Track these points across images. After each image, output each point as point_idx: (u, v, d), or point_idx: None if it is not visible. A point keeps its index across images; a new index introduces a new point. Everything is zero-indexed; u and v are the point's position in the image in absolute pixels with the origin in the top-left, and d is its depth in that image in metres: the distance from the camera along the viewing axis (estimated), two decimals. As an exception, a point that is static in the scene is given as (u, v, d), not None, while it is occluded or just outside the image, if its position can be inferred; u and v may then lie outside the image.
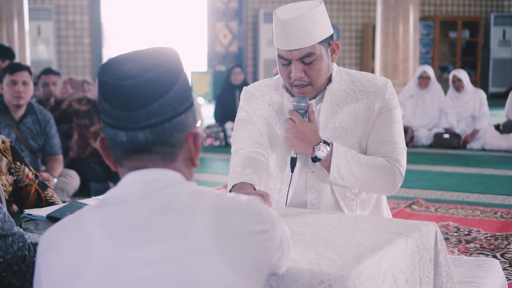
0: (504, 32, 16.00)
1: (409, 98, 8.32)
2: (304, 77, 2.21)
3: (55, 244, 1.24)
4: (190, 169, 1.33)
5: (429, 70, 8.37)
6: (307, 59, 2.19)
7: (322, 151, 2.17)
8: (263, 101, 2.39)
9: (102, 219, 1.22)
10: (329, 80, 2.30)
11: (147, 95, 1.22)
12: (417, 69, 8.67)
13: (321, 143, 2.18)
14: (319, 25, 2.18)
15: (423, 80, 8.26)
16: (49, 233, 1.27)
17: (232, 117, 8.52)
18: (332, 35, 2.26)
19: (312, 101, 2.31)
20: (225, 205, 1.24)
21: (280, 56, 2.23)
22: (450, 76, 8.21)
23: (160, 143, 1.25)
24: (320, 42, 2.19)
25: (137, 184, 1.24)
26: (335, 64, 2.33)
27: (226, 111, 8.57)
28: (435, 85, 8.40)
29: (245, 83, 8.51)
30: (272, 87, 2.40)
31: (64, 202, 5.05)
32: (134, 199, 1.22)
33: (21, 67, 4.82)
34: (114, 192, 1.26)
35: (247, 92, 2.44)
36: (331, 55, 2.26)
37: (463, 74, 8.11)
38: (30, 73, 4.86)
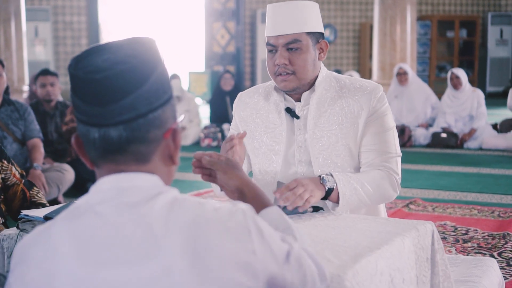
0: (501, 31, 16.02)
1: (394, 98, 8.46)
2: (288, 65, 2.24)
3: (24, 260, 1.17)
4: (170, 167, 1.25)
5: (405, 66, 8.57)
6: (292, 45, 2.22)
7: (329, 181, 2.13)
8: (251, 109, 2.42)
9: (72, 234, 1.15)
10: (315, 82, 2.31)
11: (119, 89, 1.14)
12: (394, 68, 8.83)
13: (323, 175, 2.14)
14: (309, 17, 2.24)
15: (401, 76, 8.47)
16: (20, 247, 1.20)
17: (226, 120, 8.58)
18: (322, 34, 2.29)
19: (298, 104, 2.32)
20: (204, 218, 1.14)
21: (268, 43, 2.28)
22: (448, 74, 8.24)
23: (135, 140, 1.17)
24: (308, 34, 2.23)
25: (112, 191, 1.17)
26: (325, 69, 2.34)
27: (219, 115, 8.72)
28: (415, 79, 8.60)
29: (236, 88, 8.60)
30: (263, 94, 2.42)
31: (57, 199, 5.05)
32: (106, 213, 1.15)
33: None
34: (88, 198, 1.19)
35: (239, 99, 2.47)
36: (319, 53, 2.28)
37: (461, 72, 8.16)
38: (3, 66, 4.86)
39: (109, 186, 1.18)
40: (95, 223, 1.14)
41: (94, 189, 1.20)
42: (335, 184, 2.13)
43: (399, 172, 2.29)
